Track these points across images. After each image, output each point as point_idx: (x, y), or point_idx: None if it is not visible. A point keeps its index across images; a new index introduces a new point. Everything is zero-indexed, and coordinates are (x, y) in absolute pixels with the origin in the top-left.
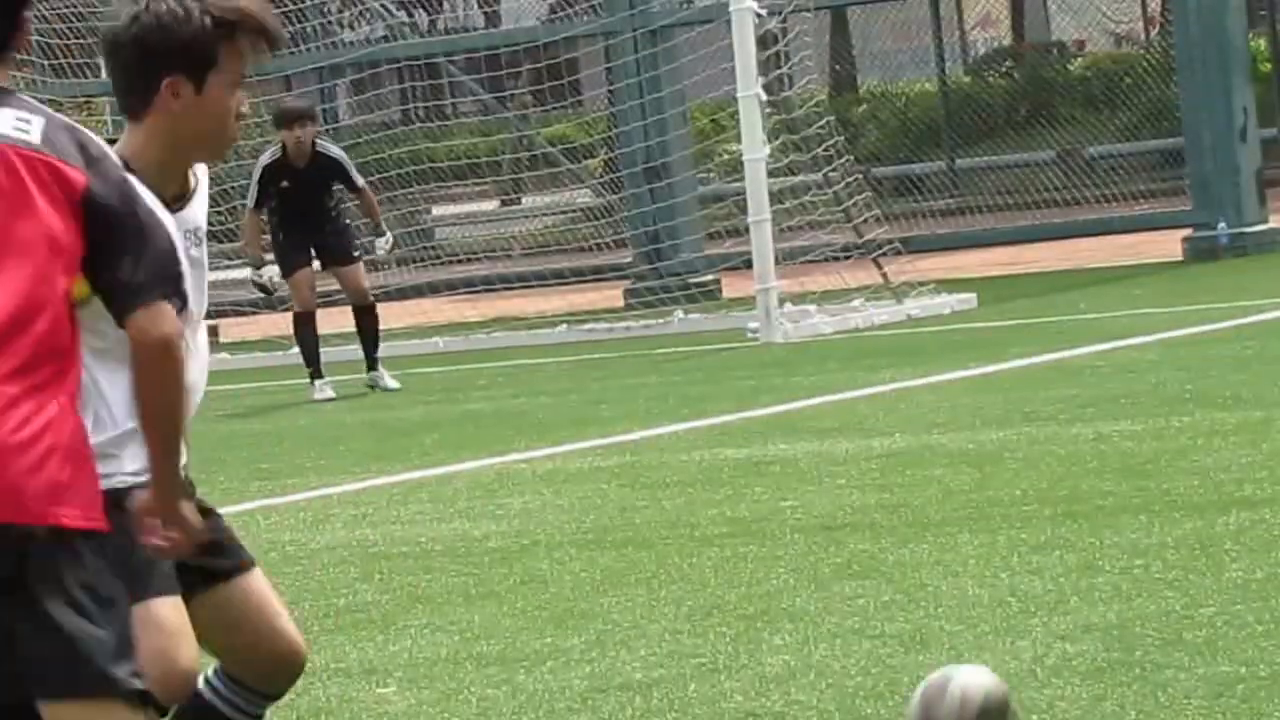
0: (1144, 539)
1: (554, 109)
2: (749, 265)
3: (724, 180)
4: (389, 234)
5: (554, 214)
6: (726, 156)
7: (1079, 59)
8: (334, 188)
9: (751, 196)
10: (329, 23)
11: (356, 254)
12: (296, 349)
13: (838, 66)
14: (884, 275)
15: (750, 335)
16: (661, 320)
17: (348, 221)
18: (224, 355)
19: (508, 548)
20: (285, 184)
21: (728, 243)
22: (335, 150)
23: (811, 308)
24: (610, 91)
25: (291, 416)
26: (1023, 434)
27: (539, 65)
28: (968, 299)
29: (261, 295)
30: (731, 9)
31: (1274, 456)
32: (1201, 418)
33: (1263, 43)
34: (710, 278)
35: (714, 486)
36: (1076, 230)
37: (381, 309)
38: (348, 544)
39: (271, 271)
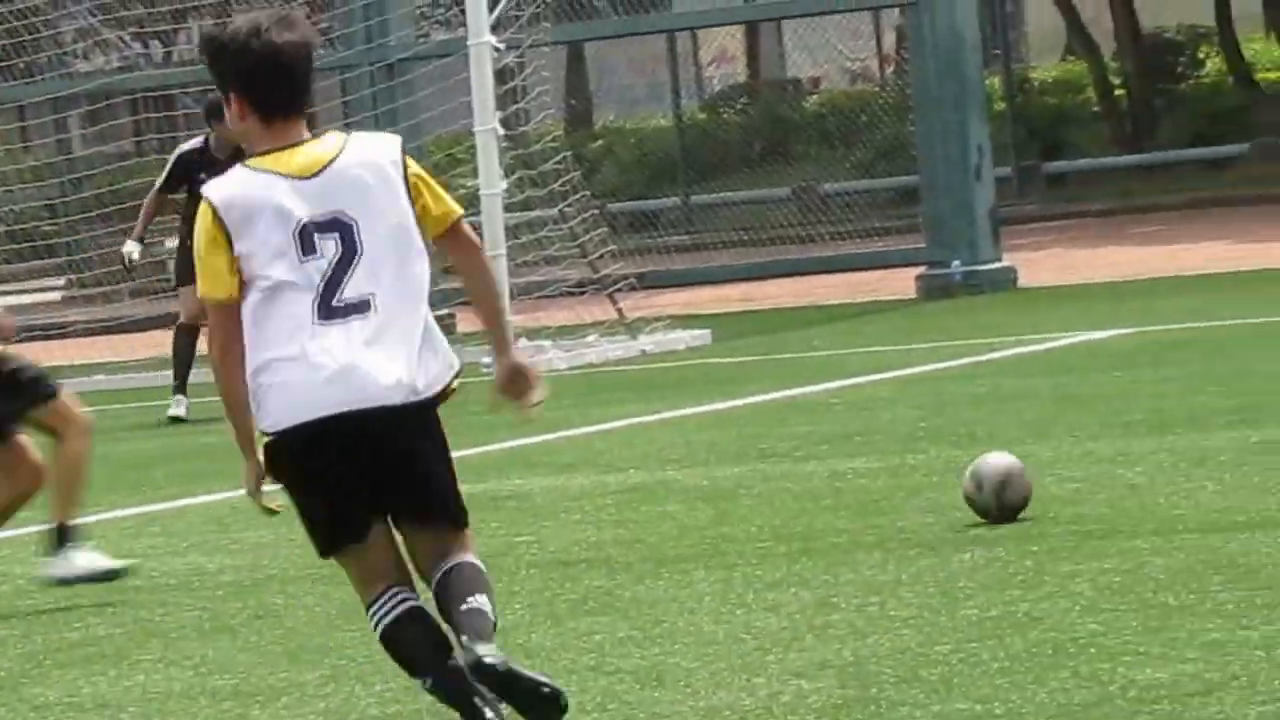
0: (879, 576)
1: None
2: None
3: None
4: None
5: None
6: (463, 191)
7: (814, 96)
8: None
9: (488, 231)
10: (64, 54)
11: None
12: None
13: (574, 102)
14: (619, 311)
15: (485, 370)
16: None
17: None
18: None
19: (241, 581)
20: (203, 176)
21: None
22: None
23: (547, 343)
24: (347, 125)
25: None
26: (758, 470)
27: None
28: (703, 335)
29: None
30: (469, 43)
31: None
32: (936, 455)
33: (997, 82)
34: (445, 312)
35: None
36: (812, 267)
37: (121, 340)
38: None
39: (133, 249)
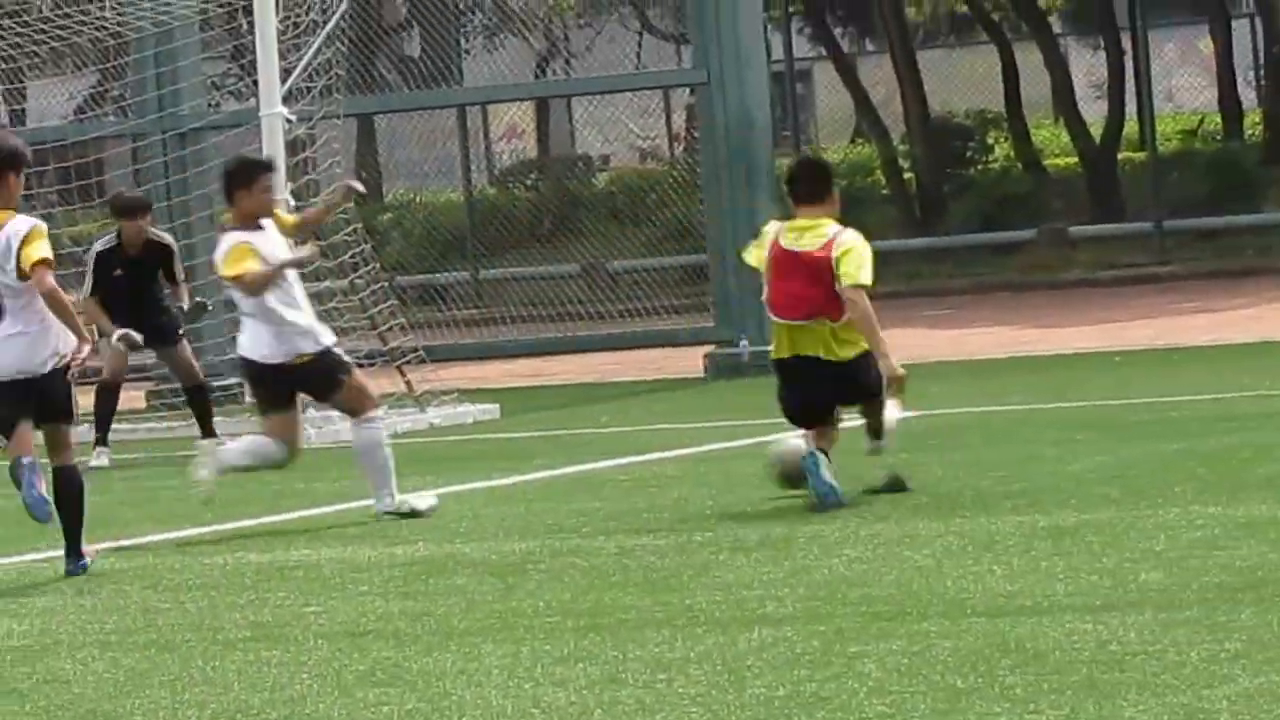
0: (668, 653)
1: (78, 208)
2: None
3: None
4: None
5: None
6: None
7: (604, 173)
8: (158, 273)
9: None
10: None
11: (180, 333)
12: None
13: (364, 174)
14: (408, 383)
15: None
16: (186, 422)
17: (167, 304)
18: None
19: (29, 646)
20: (118, 271)
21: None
22: (166, 237)
23: (334, 414)
24: (141, 190)
25: None
26: (546, 546)
27: (66, 164)
28: (491, 409)
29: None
30: (261, 114)
31: (795, 574)
32: (724, 533)
33: (786, 163)
34: (234, 380)
35: (237, 590)
36: (600, 344)
37: None
38: None
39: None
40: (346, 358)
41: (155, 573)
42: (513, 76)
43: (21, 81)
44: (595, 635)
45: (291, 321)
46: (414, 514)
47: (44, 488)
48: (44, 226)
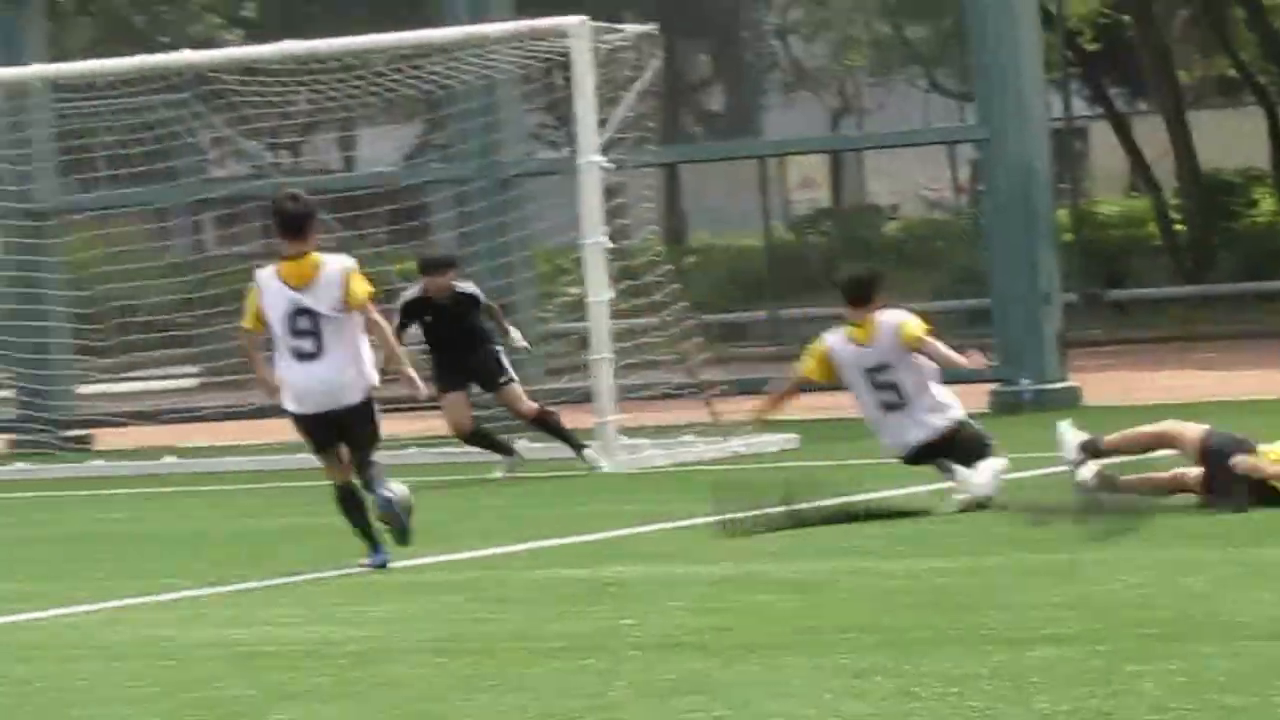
0: (957, 669)
1: (404, 247)
2: (587, 399)
3: (563, 320)
4: (514, 333)
5: (411, 343)
6: (567, 298)
7: (893, 221)
8: (475, 319)
9: (594, 336)
10: (202, 160)
11: (503, 379)
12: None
13: (671, 220)
14: (714, 414)
15: (588, 463)
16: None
17: (494, 348)
18: (99, 462)
19: (366, 651)
20: (428, 318)
21: (566, 378)
22: (471, 288)
23: (646, 441)
24: (459, 232)
25: (164, 521)
26: (843, 566)
27: (395, 207)
28: (791, 439)
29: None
30: (580, 162)
31: (1078, 597)
32: (1011, 558)
33: (1064, 214)
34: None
35: (555, 603)
36: None
37: (251, 425)
38: (219, 642)
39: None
40: None
41: (480, 585)
42: (808, 130)
43: (355, 130)
44: (890, 650)
45: None
46: None
47: (390, 489)
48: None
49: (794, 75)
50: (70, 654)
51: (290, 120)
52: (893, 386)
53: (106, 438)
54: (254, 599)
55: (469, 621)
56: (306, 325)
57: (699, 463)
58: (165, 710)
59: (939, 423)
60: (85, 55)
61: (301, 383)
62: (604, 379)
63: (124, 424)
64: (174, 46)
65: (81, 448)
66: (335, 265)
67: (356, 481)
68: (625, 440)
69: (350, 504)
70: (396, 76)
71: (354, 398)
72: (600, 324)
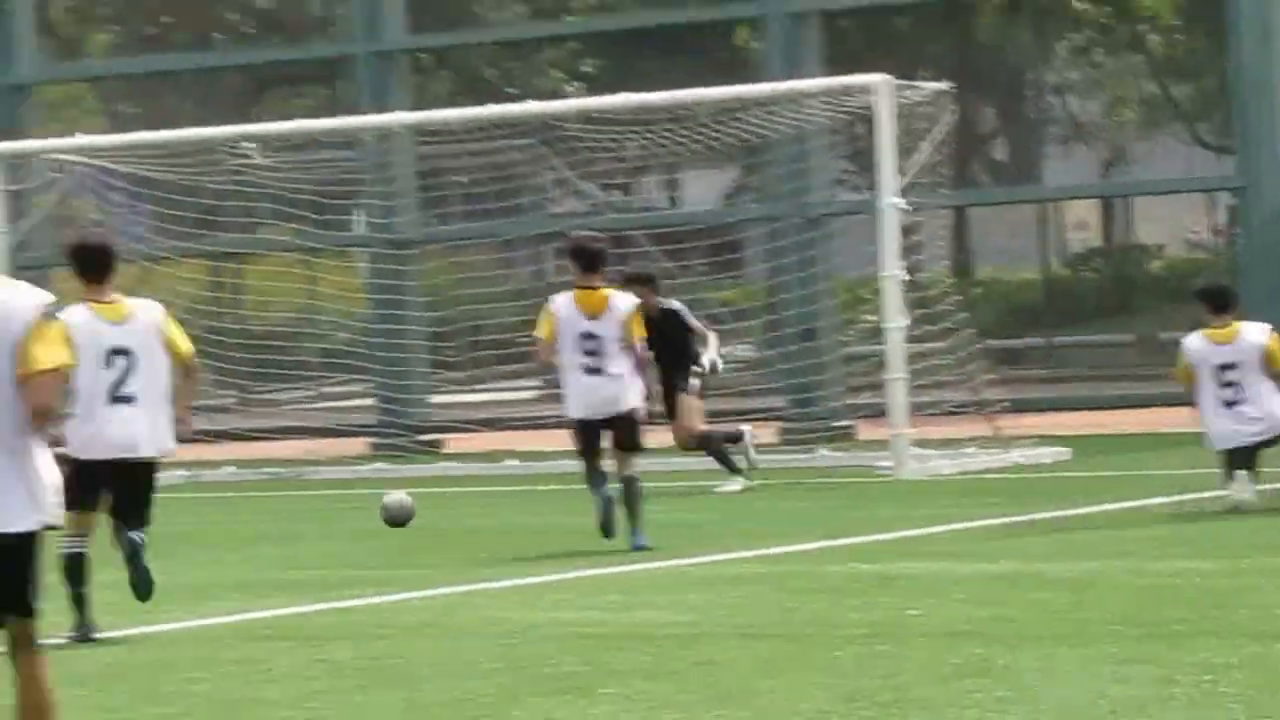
0: (1213, 659)
1: (723, 278)
2: (882, 414)
3: (862, 344)
4: (707, 357)
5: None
6: (866, 324)
7: (1157, 260)
8: (680, 335)
9: (890, 358)
10: (544, 198)
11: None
12: (515, 462)
13: (959, 255)
14: (995, 428)
15: (881, 471)
16: (808, 455)
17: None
18: (449, 464)
19: (684, 635)
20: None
21: (864, 395)
22: (673, 304)
23: (933, 451)
24: (771, 265)
25: (504, 516)
26: (1113, 566)
27: (714, 242)
28: (1064, 452)
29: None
30: (880, 204)
31: None
32: (1262, 560)
33: None
34: (848, 423)
35: (851, 594)
36: (1154, 401)
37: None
38: (553, 623)
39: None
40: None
41: (784, 578)
42: (1082, 179)
43: (680, 173)
44: (1152, 642)
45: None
46: None
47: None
48: None
49: (1070, 129)
50: (422, 632)
51: (623, 163)
52: (1236, 385)
53: (456, 442)
54: (584, 586)
55: (775, 610)
56: (593, 347)
57: (981, 472)
58: (505, 683)
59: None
60: (444, 105)
61: (585, 393)
62: (898, 396)
63: (472, 430)
64: (522, 97)
65: (433, 450)
66: (623, 304)
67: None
68: (915, 451)
69: (631, 492)
70: (718, 126)
71: (625, 407)
72: (895, 348)
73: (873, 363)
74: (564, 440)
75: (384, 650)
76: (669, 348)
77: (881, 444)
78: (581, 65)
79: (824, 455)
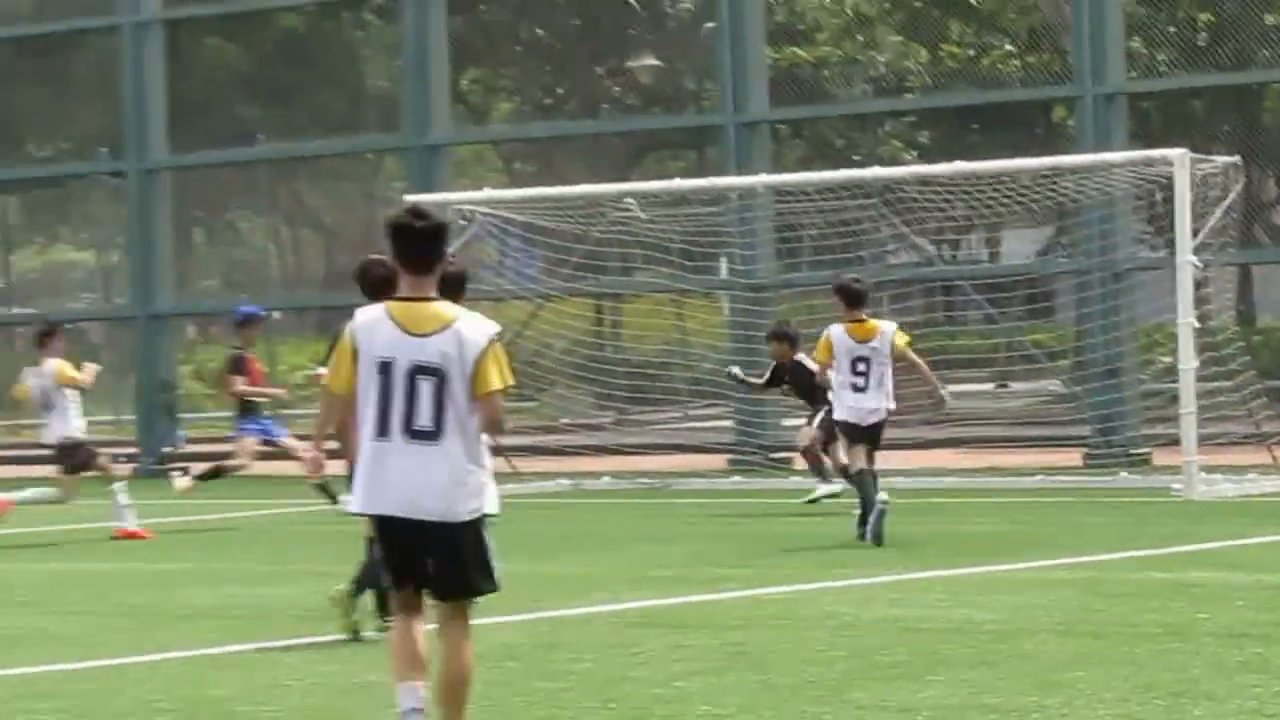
0: None
1: (1036, 321)
2: (1175, 443)
3: (1158, 382)
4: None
5: (1032, 396)
6: (1161, 365)
7: None
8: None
9: (1182, 395)
10: (883, 250)
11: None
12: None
13: (1242, 307)
14: (1275, 457)
15: (1174, 493)
16: (1109, 477)
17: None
18: (797, 479)
19: (1002, 630)
20: (786, 379)
21: (1159, 426)
22: (807, 361)
23: (1220, 476)
24: (1080, 315)
25: (844, 524)
26: None
27: (1030, 292)
28: None
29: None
30: (1177, 261)
31: None
32: None
33: None
34: (1145, 450)
35: (1147, 599)
36: None
37: (903, 456)
38: (886, 618)
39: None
40: None
41: (1091, 582)
42: None
43: (1000, 231)
44: None
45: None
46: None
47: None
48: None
49: None
50: (773, 623)
51: (952, 222)
52: None
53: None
54: (914, 586)
55: (1082, 610)
56: (863, 368)
57: (1261, 495)
58: (845, 669)
59: None
60: (798, 168)
61: (854, 407)
62: (1189, 428)
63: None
64: (865, 163)
65: (783, 467)
66: (889, 329)
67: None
68: (1204, 476)
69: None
70: (1036, 190)
71: (880, 417)
72: (1187, 386)
73: (1167, 398)
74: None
75: (740, 638)
76: (801, 389)
77: (1174, 469)
78: (918, 136)
79: (1124, 478)
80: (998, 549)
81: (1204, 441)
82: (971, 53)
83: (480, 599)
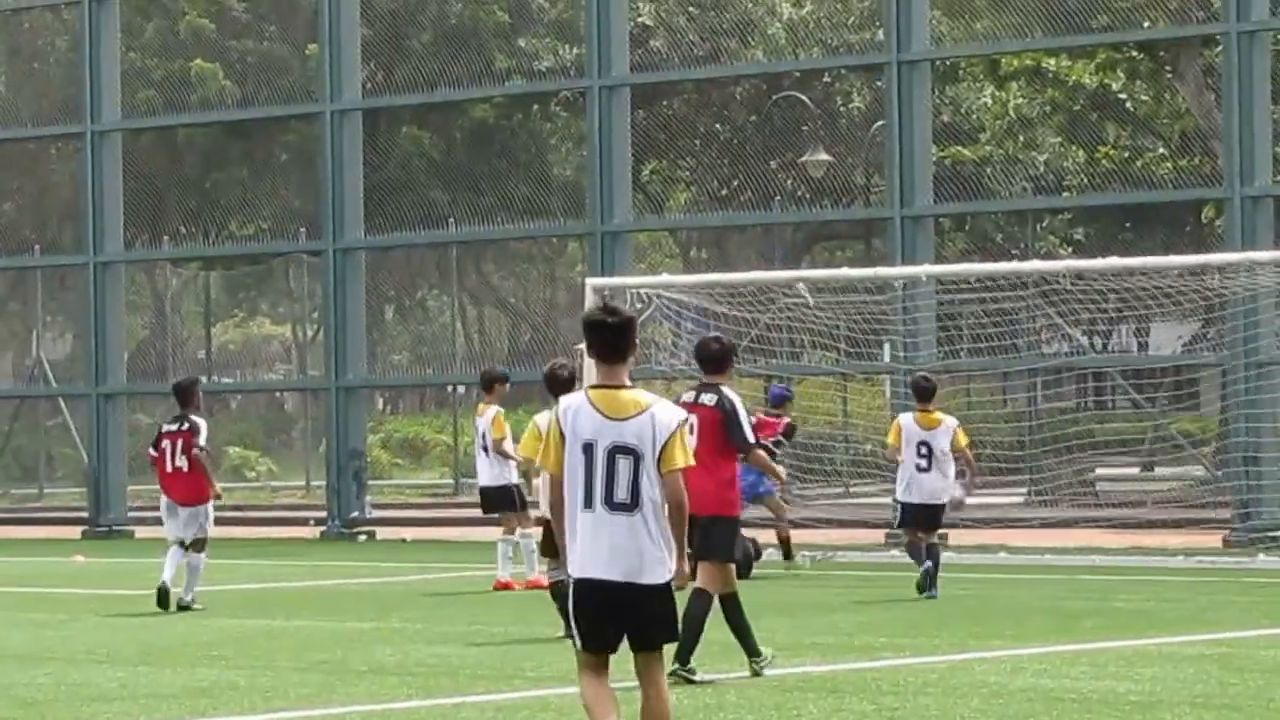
0: None
1: (1181, 409)
2: None
3: None
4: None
5: (1177, 480)
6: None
7: None
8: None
9: None
10: (1035, 340)
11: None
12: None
13: None
14: None
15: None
16: (1248, 559)
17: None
18: (951, 554)
19: (1142, 702)
20: None
21: None
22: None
23: None
24: (1223, 404)
25: (995, 597)
26: None
27: (1175, 379)
28: None
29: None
30: None
31: None
32: None
33: None
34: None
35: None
36: None
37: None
38: (1034, 689)
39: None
40: None
41: (1229, 658)
42: None
43: (1149, 323)
44: None
45: None
46: None
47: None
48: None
49: None
50: (925, 690)
51: (1104, 313)
52: None
53: (959, 536)
54: (1060, 659)
55: (1220, 685)
56: (925, 452)
57: None
58: None
59: None
60: (959, 260)
61: (918, 486)
62: None
63: (971, 527)
64: (1022, 257)
65: (940, 541)
66: (950, 422)
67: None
68: None
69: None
70: (1184, 285)
71: (942, 499)
72: None
73: None
74: (1049, 537)
75: (895, 704)
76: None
77: None
78: (1074, 233)
79: (1262, 560)
80: (1140, 625)
81: None
82: (1126, 154)
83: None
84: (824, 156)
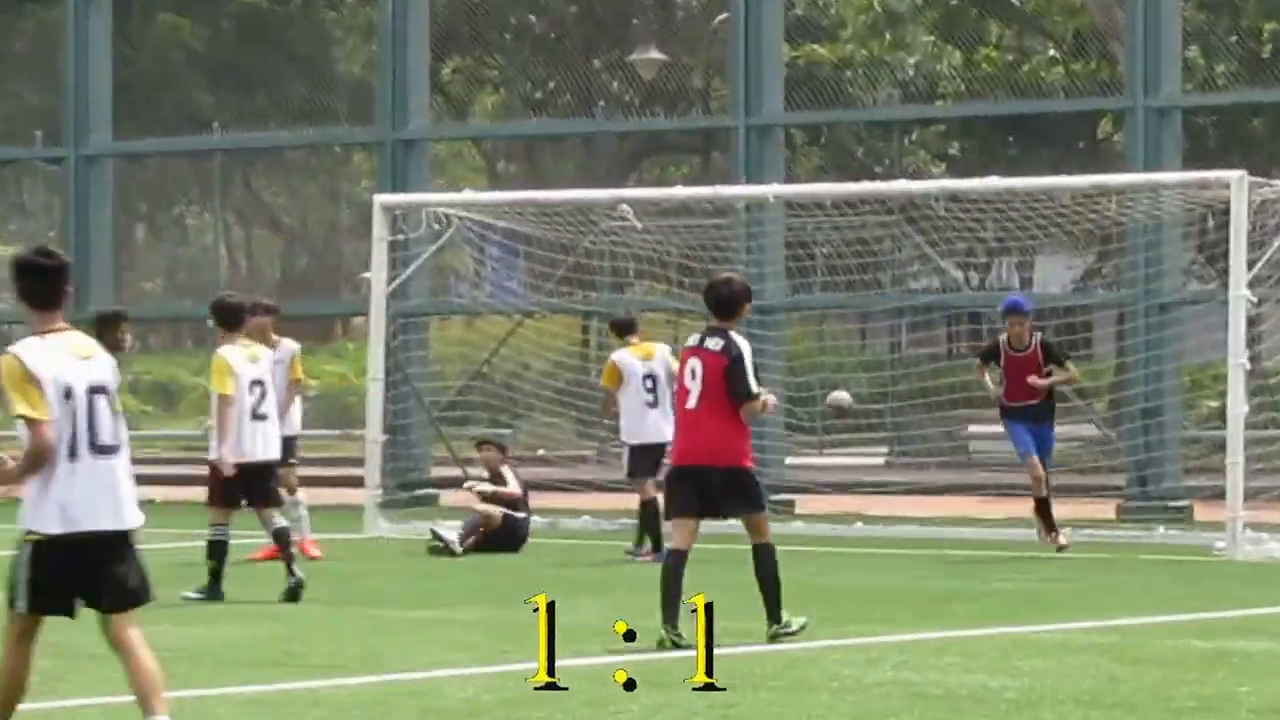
0: None
1: (1071, 357)
2: (1218, 496)
3: (1201, 428)
4: None
5: (1064, 440)
6: (1206, 409)
7: None
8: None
9: (1230, 442)
10: (901, 274)
11: None
12: (861, 524)
13: None
14: None
15: (1216, 552)
16: (1146, 532)
17: None
18: (799, 524)
19: (1019, 700)
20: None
21: (1200, 477)
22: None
23: (1267, 535)
24: (1120, 351)
25: (849, 577)
26: None
27: (1061, 322)
28: None
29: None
30: (1230, 295)
31: None
32: None
33: None
34: (1185, 503)
35: (1183, 669)
36: None
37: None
38: (894, 682)
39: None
40: None
41: (1119, 649)
42: None
43: (1034, 256)
44: None
45: None
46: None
47: None
48: None
49: None
50: (767, 684)
51: (981, 244)
52: None
53: (808, 504)
54: (925, 648)
55: (1110, 680)
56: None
57: None
58: None
59: None
60: (813, 179)
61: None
62: (1236, 480)
63: (823, 492)
64: (888, 176)
65: (785, 511)
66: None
67: None
68: (1250, 534)
69: None
70: (1076, 212)
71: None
72: (1236, 433)
73: (1212, 446)
74: (911, 506)
75: (731, 699)
76: None
77: (1217, 525)
78: (948, 148)
79: (1161, 534)
80: (1019, 609)
81: (1252, 495)
82: (1011, 57)
83: None
84: (656, 55)
